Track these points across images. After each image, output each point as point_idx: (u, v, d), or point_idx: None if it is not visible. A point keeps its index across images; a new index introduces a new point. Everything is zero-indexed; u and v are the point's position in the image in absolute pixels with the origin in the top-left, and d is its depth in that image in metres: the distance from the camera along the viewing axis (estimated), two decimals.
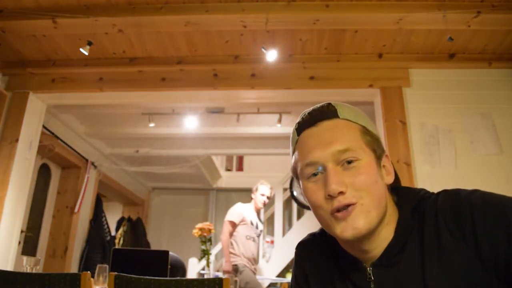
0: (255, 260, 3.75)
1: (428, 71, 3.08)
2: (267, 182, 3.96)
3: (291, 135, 0.81)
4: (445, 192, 0.73)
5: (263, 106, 3.99)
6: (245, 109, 4.12)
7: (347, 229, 0.69)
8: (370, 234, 0.70)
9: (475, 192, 0.69)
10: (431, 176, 2.76)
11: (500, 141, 2.82)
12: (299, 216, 5.61)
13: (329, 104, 0.77)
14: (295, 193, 5.21)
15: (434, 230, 0.68)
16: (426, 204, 0.72)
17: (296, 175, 0.78)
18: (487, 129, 2.86)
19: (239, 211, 3.78)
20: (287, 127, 4.37)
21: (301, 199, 5.17)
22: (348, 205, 0.68)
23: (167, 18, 2.69)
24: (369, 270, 0.73)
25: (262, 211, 5.62)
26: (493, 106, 2.92)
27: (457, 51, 3.05)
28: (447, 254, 0.66)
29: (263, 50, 2.69)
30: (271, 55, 2.81)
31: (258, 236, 3.83)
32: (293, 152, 0.79)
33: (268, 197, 3.87)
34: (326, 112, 0.76)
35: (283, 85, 3.15)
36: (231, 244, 3.67)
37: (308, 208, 5.30)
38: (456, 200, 0.69)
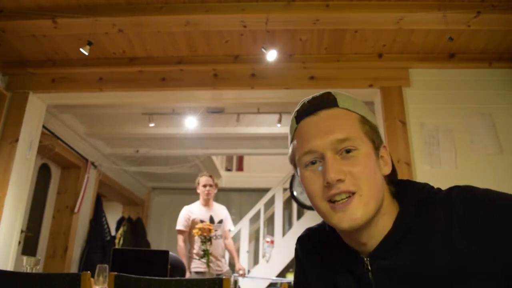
0: (220, 256, 3.61)
1: (428, 71, 3.08)
2: (206, 173, 3.83)
3: (290, 123, 0.82)
4: (458, 188, 0.71)
5: (263, 106, 3.99)
6: (245, 109, 4.12)
7: (344, 219, 0.69)
8: (367, 224, 0.70)
9: (489, 191, 0.67)
10: (431, 176, 2.76)
11: (500, 141, 2.82)
12: (299, 216, 5.61)
13: (329, 93, 0.79)
14: (295, 193, 5.21)
15: (443, 227, 0.67)
16: (436, 200, 0.70)
17: (294, 163, 0.78)
18: (487, 129, 2.86)
19: (185, 216, 3.62)
20: (287, 127, 4.35)
21: (301, 199, 5.17)
22: (347, 194, 0.69)
23: (167, 18, 2.69)
24: (366, 260, 0.73)
25: (261, 210, 5.63)
26: (493, 106, 2.92)
27: (457, 51, 3.05)
28: (455, 253, 0.64)
29: (263, 50, 2.69)
30: (271, 55, 2.81)
31: (219, 228, 3.62)
32: (292, 140, 0.79)
33: (210, 185, 3.67)
34: (325, 101, 0.77)
35: (283, 85, 3.15)
36: (194, 248, 3.52)
37: (308, 208, 5.31)
38: (472, 200, 0.67)
